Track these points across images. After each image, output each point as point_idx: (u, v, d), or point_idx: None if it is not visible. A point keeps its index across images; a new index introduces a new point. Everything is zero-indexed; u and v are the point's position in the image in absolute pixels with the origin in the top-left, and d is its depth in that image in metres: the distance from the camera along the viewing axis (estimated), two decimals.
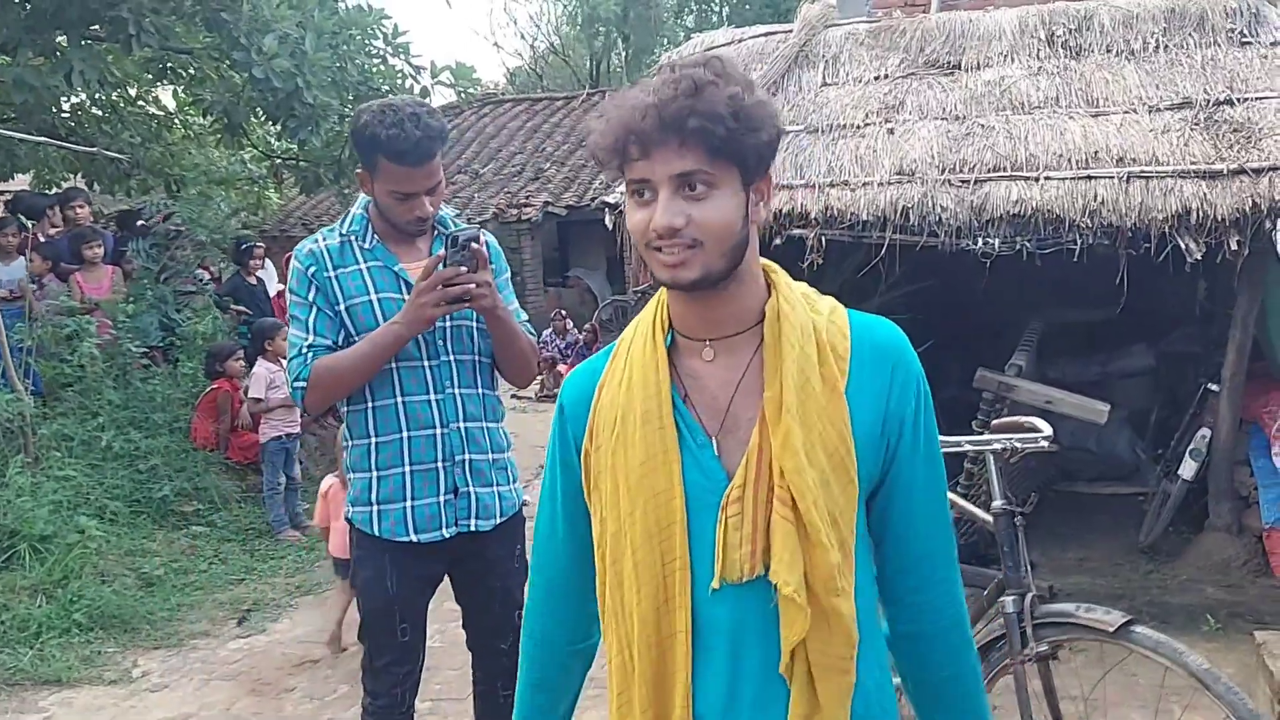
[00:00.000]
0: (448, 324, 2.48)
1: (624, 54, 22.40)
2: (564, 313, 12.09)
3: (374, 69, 8.47)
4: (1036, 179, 4.39)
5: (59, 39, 7.44)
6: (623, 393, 1.37)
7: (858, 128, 4.99)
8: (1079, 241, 4.26)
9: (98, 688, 4.21)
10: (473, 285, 2.35)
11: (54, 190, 8.86)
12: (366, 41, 8.40)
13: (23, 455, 5.53)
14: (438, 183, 2.44)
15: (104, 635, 4.61)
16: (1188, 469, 5.06)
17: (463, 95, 12.32)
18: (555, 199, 13.27)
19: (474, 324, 2.51)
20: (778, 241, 4.79)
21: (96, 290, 7.18)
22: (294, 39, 7.40)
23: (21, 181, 9.29)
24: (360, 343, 2.41)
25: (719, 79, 1.25)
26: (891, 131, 4.88)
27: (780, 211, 4.79)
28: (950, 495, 3.06)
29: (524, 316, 2.68)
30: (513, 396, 9.01)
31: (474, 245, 2.37)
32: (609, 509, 1.37)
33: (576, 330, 11.97)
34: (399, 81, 8.70)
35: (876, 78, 5.25)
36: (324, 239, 2.51)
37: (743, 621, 1.31)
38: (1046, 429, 2.69)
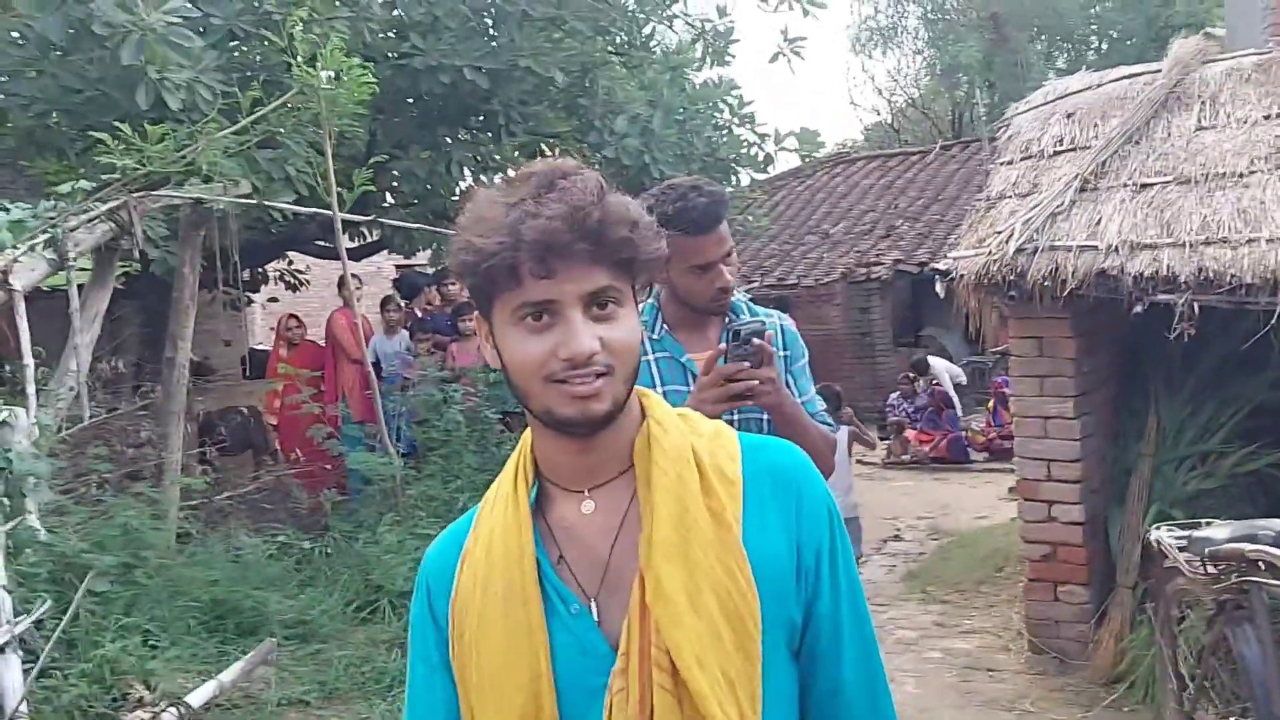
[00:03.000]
0: (735, 417, 2.36)
1: (986, 102, 21.45)
2: (911, 375, 11.46)
3: (719, 140, 8.69)
4: None
5: (442, 134, 8.34)
6: (483, 566, 1.14)
7: (1240, 176, 4.34)
8: None
9: None
10: (755, 382, 2.24)
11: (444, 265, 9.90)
12: (712, 114, 8.64)
13: (393, 514, 6.08)
14: (729, 250, 2.39)
15: None
16: None
17: (806, 159, 12.36)
18: (907, 256, 12.83)
19: (763, 415, 2.39)
20: (1139, 309, 4.26)
21: (466, 360, 7.82)
22: (643, 118, 7.78)
23: (422, 256, 10.50)
24: None
25: (604, 186, 1.09)
26: None
27: (1142, 275, 4.25)
28: None
29: (819, 407, 2.53)
30: (858, 462, 8.71)
31: (756, 340, 2.26)
32: (476, 711, 1.14)
33: (925, 393, 11.29)
34: (744, 150, 8.86)
35: (1266, 117, 4.55)
36: None
37: None
38: None
